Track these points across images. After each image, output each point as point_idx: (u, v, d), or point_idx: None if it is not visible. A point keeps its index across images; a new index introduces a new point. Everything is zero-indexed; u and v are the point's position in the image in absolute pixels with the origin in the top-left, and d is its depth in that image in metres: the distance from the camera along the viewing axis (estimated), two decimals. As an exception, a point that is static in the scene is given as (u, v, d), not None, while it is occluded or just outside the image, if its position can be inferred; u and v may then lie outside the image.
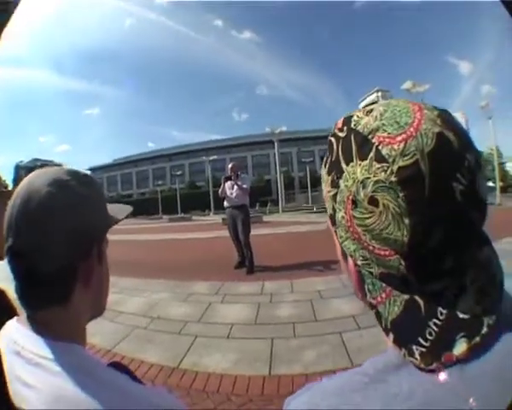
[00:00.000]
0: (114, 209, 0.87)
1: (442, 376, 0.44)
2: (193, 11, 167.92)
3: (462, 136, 0.47)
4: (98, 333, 4.15)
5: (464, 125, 0.50)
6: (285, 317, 4.62)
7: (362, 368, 0.51)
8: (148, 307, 5.47)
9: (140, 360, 3.63)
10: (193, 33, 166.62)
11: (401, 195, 0.45)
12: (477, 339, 0.45)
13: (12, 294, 1.09)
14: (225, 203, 7.94)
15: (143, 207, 55.48)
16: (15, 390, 0.66)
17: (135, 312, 5.25)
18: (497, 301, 0.47)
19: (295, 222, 21.35)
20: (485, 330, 0.45)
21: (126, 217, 0.92)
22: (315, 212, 31.07)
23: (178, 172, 75.17)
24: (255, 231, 7.85)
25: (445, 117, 0.48)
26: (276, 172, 47.14)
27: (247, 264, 7.54)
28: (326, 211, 0.59)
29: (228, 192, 7.79)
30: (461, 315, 0.46)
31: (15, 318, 0.78)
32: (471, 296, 0.47)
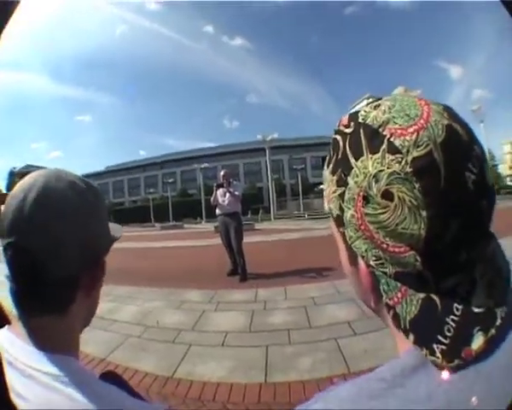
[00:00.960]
0: (112, 228, 0.87)
1: (460, 374, 0.44)
2: (185, 18, 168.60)
3: (468, 128, 0.48)
4: (92, 342, 4.11)
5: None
6: (279, 324, 4.61)
7: (378, 373, 0.50)
8: (142, 315, 5.43)
9: (134, 369, 3.60)
10: (185, 40, 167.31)
11: (417, 186, 0.44)
12: (493, 331, 0.44)
13: (4, 301, 1.07)
14: (217, 211, 7.93)
15: (135, 215, 55.41)
16: (13, 399, 0.65)
17: (128, 320, 5.21)
18: (506, 292, 0.47)
19: (287, 229, 21.41)
20: (499, 321, 0.44)
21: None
22: (306, 219, 31.14)
23: (170, 180, 74.83)
24: (247, 239, 7.87)
25: (450, 111, 0.49)
26: (268, 180, 47.36)
27: (239, 271, 7.53)
28: (317, 218, 0.59)
29: (220, 200, 7.79)
30: (475, 309, 0.46)
31: (6, 326, 0.76)
32: (482, 290, 0.47)
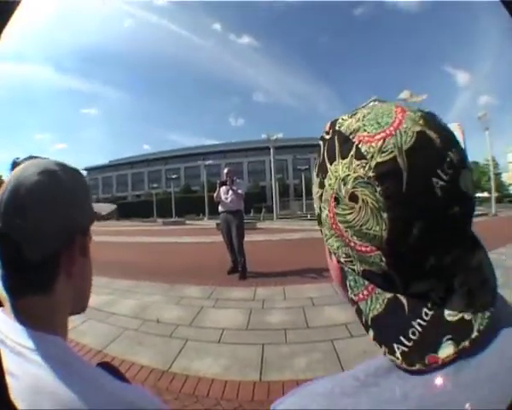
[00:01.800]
0: (98, 206, 0.91)
1: (436, 380, 0.44)
2: (193, 15, 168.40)
3: (445, 135, 0.48)
4: (89, 333, 4.14)
5: (461, 137, 0.51)
6: (277, 323, 4.62)
7: (353, 371, 0.51)
8: (140, 309, 5.45)
9: (130, 362, 3.62)
10: (193, 37, 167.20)
11: (379, 189, 0.46)
12: (466, 343, 0.44)
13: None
14: (220, 208, 7.94)
15: (138, 210, 55.38)
16: (5, 378, 0.67)
17: (126, 313, 5.23)
18: (489, 305, 0.47)
19: (289, 229, 21.38)
20: (475, 334, 0.44)
21: (110, 213, 0.97)
22: (309, 219, 31.08)
23: (174, 176, 74.52)
24: (249, 238, 7.88)
25: (428, 117, 0.50)
26: (272, 179, 47.12)
27: (240, 269, 7.53)
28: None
29: (223, 197, 7.79)
30: (448, 318, 0.46)
31: (0, 308, 0.78)
32: (460, 299, 0.47)
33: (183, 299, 5.94)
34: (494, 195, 32.33)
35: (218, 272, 7.80)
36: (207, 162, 60.78)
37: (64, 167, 0.77)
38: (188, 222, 36.92)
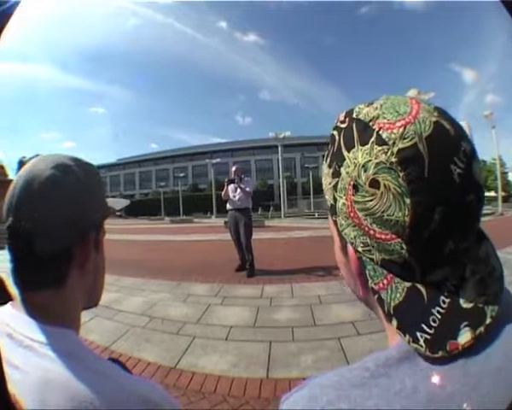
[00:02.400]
0: (113, 202, 0.90)
1: (446, 370, 0.45)
2: (198, 13, 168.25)
3: (457, 127, 0.50)
4: (96, 330, 4.17)
5: (468, 134, 0.52)
6: (284, 321, 4.62)
7: (362, 363, 0.50)
8: (147, 306, 5.48)
9: (137, 359, 3.64)
10: (198, 35, 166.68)
11: (401, 175, 0.46)
12: (481, 329, 0.45)
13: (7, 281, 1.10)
14: (228, 206, 7.95)
15: (145, 208, 55.55)
16: (8, 373, 0.66)
17: (134, 311, 5.26)
18: (498, 293, 0.48)
19: (297, 227, 21.35)
20: (488, 320, 0.45)
21: (123, 208, 0.96)
22: (317, 218, 31.05)
23: (181, 174, 74.78)
24: (257, 236, 7.88)
25: (441, 110, 0.51)
26: (279, 177, 47.18)
27: (247, 267, 7.53)
28: (327, 217, 0.60)
29: (231, 195, 7.81)
30: (463, 305, 0.47)
31: (10, 302, 0.78)
32: (472, 287, 0.48)
33: (190, 296, 5.96)
34: (501, 194, 32.07)
35: (226, 270, 7.80)
36: (215, 161, 60.79)
37: (78, 162, 0.77)
38: (195, 220, 37.00)
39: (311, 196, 50.54)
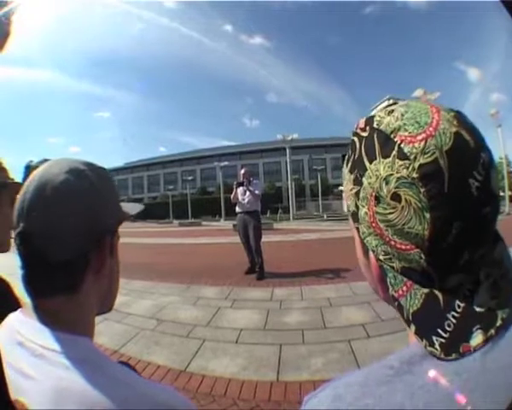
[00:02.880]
0: (127, 206, 0.89)
1: (465, 367, 0.46)
2: (204, 16, 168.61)
3: (477, 136, 0.50)
4: (106, 333, 4.18)
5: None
6: (294, 323, 4.61)
7: (387, 361, 0.52)
8: (157, 309, 5.49)
9: (147, 362, 3.64)
10: (204, 39, 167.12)
11: (422, 190, 0.47)
12: (492, 331, 0.47)
13: (16, 287, 1.10)
14: (237, 209, 7.96)
15: (154, 211, 55.68)
16: (16, 382, 0.65)
17: (143, 314, 5.27)
18: (510, 295, 0.50)
19: (306, 230, 21.34)
20: (499, 322, 0.47)
21: (138, 213, 0.95)
22: (325, 220, 31.01)
23: (190, 178, 75.10)
24: (266, 238, 7.88)
25: (461, 118, 0.51)
26: (288, 180, 47.17)
27: (257, 270, 7.52)
28: (336, 219, 0.61)
29: (240, 198, 7.82)
30: (477, 309, 0.48)
31: (19, 309, 0.77)
32: (486, 291, 0.50)
33: (200, 299, 5.96)
34: (508, 193, 31.79)
35: (236, 273, 7.80)
36: (223, 164, 61.05)
37: (91, 166, 0.76)
38: (204, 223, 37.05)
39: (320, 197, 50.58)
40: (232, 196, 7.92)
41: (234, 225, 15.72)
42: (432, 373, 0.47)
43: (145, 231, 24.70)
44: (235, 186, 7.88)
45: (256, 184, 8.01)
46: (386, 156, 0.51)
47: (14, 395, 0.67)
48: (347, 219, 0.64)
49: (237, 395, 3.01)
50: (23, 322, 0.71)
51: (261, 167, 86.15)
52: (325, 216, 35.26)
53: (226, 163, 65.30)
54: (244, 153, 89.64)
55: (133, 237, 17.82)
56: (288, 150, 42.80)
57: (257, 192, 7.72)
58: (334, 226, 21.30)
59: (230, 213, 19.48)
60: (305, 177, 79.96)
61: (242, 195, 7.80)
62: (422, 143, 0.48)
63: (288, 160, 43.98)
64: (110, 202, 0.78)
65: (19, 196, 0.70)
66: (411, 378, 0.48)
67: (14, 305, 0.81)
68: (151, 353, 3.87)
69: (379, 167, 0.52)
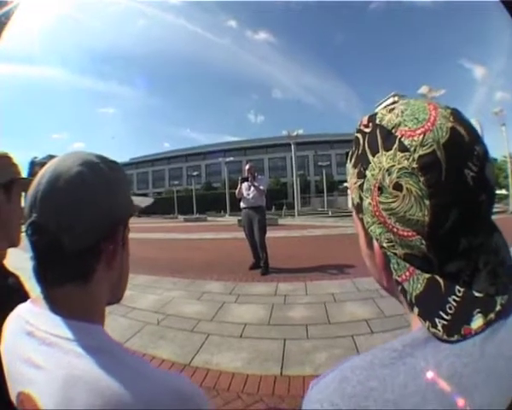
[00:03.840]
0: (137, 199, 0.90)
1: (466, 350, 0.49)
2: (209, 12, 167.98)
3: (472, 131, 0.54)
4: (110, 327, 4.19)
5: (479, 132, 0.56)
6: (298, 318, 4.63)
7: (390, 344, 0.54)
8: (162, 303, 5.52)
9: (151, 356, 3.67)
10: (209, 34, 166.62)
11: (422, 179, 0.51)
12: (492, 315, 0.49)
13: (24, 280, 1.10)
14: (242, 204, 7.97)
15: (159, 207, 55.70)
16: (22, 373, 0.66)
17: (148, 308, 5.30)
18: (508, 283, 0.52)
19: (310, 226, 21.28)
20: (498, 307, 0.50)
21: (148, 206, 0.97)
22: (330, 216, 30.96)
23: (195, 173, 74.87)
24: (271, 234, 7.88)
25: (457, 115, 0.55)
26: (293, 176, 47.08)
27: (262, 265, 7.53)
28: (340, 215, 0.63)
29: (245, 193, 7.83)
30: (476, 294, 0.51)
31: (29, 300, 0.78)
32: (484, 277, 0.52)
33: (204, 294, 5.98)
34: (512, 192, 31.57)
35: (240, 268, 7.82)
36: (228, 159, 61.07)
37: (104, 160, 0.77)
38: (209, 219, 37.04)
39: (325, 194, 50.44)
40: (237, 192, 7.95)
41: (239, 221, 15.73)
42: (432, 356, 0.49)
43: (150, 227, 24.73)
44: (240, 182, 7.91)
45: (261, 179, 8.04)
46: (388, 149, 0.55)
47: (18, 388, 0.68)
48: (352, 216, 0.67)
49: (241, 389, 3.03)
50: (33, 312, 0.72)
51: (266, 163, 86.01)
52: (330, 212, 35.13)
53: (231, 159, 65.42)
54: (249, 148, 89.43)
55: (138, 232, 17.87)
56: (293, 146, 42.67)
57: (261, 187, 7.73)
58: (339, 223, 21.25)
59: (235, 209, 19.46)
60: (310, 173, 79.78)
61: (247, 190, 7.82)
62: (421, 136, 0.52)
63: (293, 155, 43.87)
64: (122, 195, 0.79)
65: (31, 188, 0.70)
66: (413, 361, 0.50)
67: (26, 298, 0.82)
68: (156, 347, 3.90)
69: (381, 160, 0.55)
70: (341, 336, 3.94)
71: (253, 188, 7.71)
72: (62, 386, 0.59)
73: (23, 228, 0.71)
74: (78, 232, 0.67)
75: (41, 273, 0.71)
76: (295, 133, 43.76)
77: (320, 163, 65.43)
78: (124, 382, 0.59)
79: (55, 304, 0.70)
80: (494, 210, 0.60)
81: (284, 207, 43.18)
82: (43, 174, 0.70)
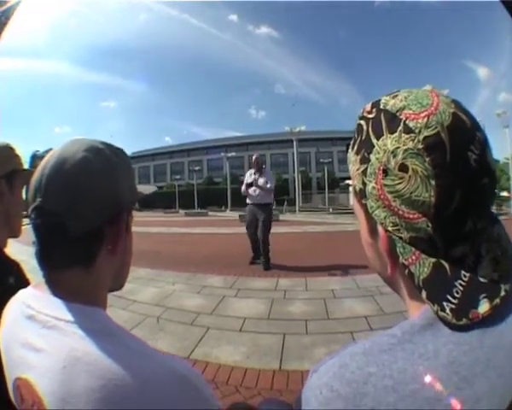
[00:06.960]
0: (141, 187, 0.91)
1: (465, 338, 0.50)
2: (211, 7, 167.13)
3: (472, 118, 0.56)
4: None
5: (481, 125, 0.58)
6: (298, 313, 4.64)
7: (390, 330, 0.55)
8: (162, 297, 5.53)
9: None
10: (211, 29, 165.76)
11: (427, 159, 0.52)
12: (497, 300, 0.50)
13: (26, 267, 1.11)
14: (248, 200, 7.86)
15: (160, 201, 55.61)
16: (20, 358, 0.67)
17: (148, 301, 5.32)
18: (510, 271, 0.54)
19: (311, 222, 21.28)
20: (503, 293, 0.51)
21: (153, 193, 0.99)
22: (331, 213, 30.91)
23: (196, 168, 74.71)
24: (272, 230, 7.87)
25: (457, 103, 0.57)
26: (294, 172, 47.00)
27: (262, 260, 7.51)
28: (341, 213, 0.63)
29: (250, 190, 7.72)
30: (481, 279, 0.52)
31: (31, 285, 0.79)
32: (488, 264, 0.53)
33: (204, 288, 5.99)
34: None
35: (241, 263, 7.83)
36: (230, 154, 60.79)
37: (109, 146, 0.78)
38: (210, 213, 36.98)
39: (326, 191, 50.28)
40: (242, 190, 7.89)
41: (240, 216, 15.71)
42: (432, 343, 0.51)
43: (151, 221, 24.73)
44: (245, 186, 7.79)
45: (267, 172, 7.98)
46: (393, 132, 0.56)
47: (15, 374, 0.68)
48: (353, 213, 0.68)
49: (240, 383, 3.04)
50: (35, 296, 0.72)
51: (268, 159, 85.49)
52: (331, 209, 35.08)
53: (233, 154, 65.01)
54: (251, 144, 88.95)
55: (139, 226, 17.88)
56: (295, 142, 42.57)
57: (268, 186, 7.63)
58: (339, 220, 21.19)
59: (236, 204, 19.45)
60: (311, 169, 79.50)
61: (255, 181, 7.64)
62: (425, 119, 0.54)
63: (295, 152, 43.77)
64: (126, 181, 0.79)
65: (35, 174, 0.71)
66: (412, 347, 0.51)
67: (26, 284, 0.83)
68: (156, 339, 3.90)
69: (386, 142, 0.56)
70: (340, 332, 3.95)
71: (262, 179, 7.60)
72: (62, 368, 0.60)
73: (24, 223, 0.71)
74: (83, 216, 0.68)
75: (44, 257, 0.71)
76: (297, 130, 43.61)
77: (322, 160, 65.10)
78: (125, 364, 0.60)
79: (58, 288, 0.70)
80: (496, 213, 0.61)
81: (285, 203, 43.09)
82: (48, 159, 0.71)
